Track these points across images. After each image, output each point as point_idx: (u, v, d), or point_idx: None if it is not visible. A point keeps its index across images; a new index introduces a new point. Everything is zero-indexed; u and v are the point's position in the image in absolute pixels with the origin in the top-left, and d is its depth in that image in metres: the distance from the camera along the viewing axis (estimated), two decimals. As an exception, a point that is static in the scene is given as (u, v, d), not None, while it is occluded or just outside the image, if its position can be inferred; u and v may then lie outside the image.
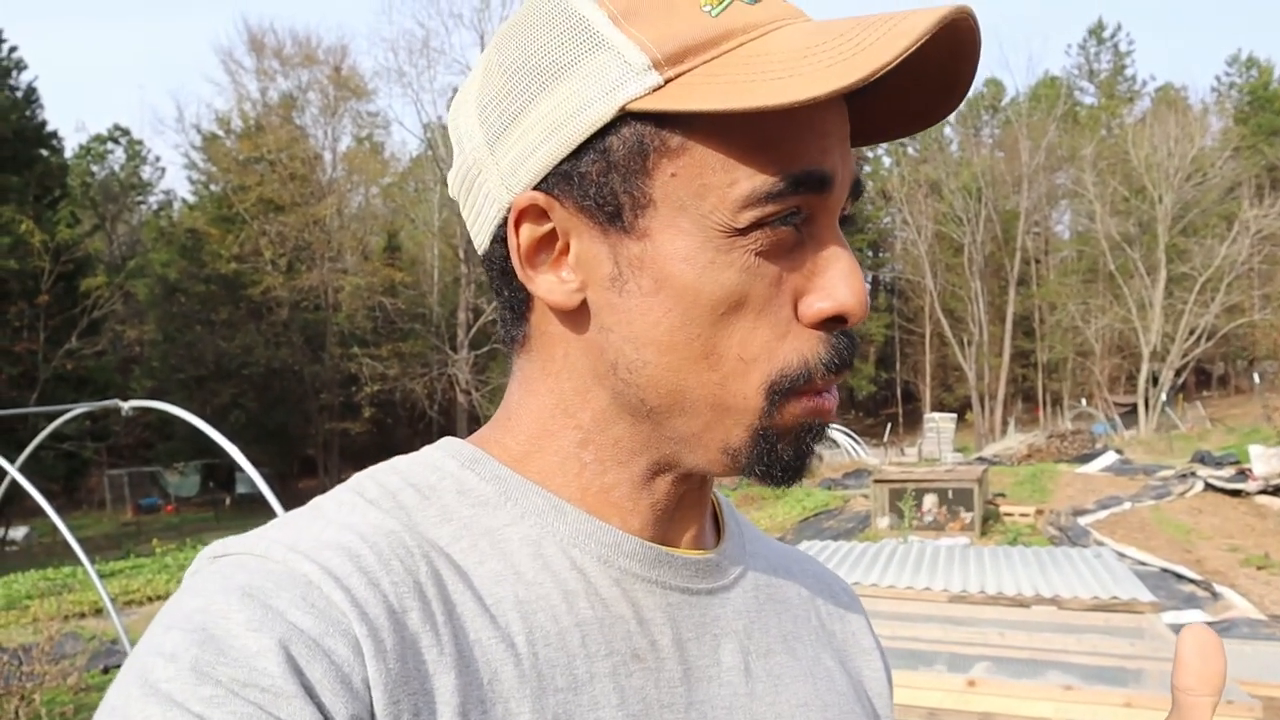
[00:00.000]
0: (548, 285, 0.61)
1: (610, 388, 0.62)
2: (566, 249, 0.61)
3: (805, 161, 0.56)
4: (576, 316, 0.62)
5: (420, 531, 0.59)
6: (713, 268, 0.57)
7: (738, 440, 0.60)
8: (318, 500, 0.62)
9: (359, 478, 0.64)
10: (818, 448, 0.63)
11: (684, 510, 0.67)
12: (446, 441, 0.68)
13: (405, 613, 0.54)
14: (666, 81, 0.55)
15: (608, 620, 0.61)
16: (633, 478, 0.64)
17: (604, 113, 0.56)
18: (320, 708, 0.48)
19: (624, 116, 0.57)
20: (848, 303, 0.58)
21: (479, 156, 0.63)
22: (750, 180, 0.55)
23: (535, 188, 0.60)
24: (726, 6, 0.56)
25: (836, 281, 0.58)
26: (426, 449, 0.67)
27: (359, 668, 0.50)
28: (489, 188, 0.62)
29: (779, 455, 0.61)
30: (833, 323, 0.59)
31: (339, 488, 0.63)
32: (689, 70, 0.55)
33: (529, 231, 0.61)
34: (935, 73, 0.59)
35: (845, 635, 0.80)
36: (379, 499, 0.61)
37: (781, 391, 0.59)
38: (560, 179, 0.59)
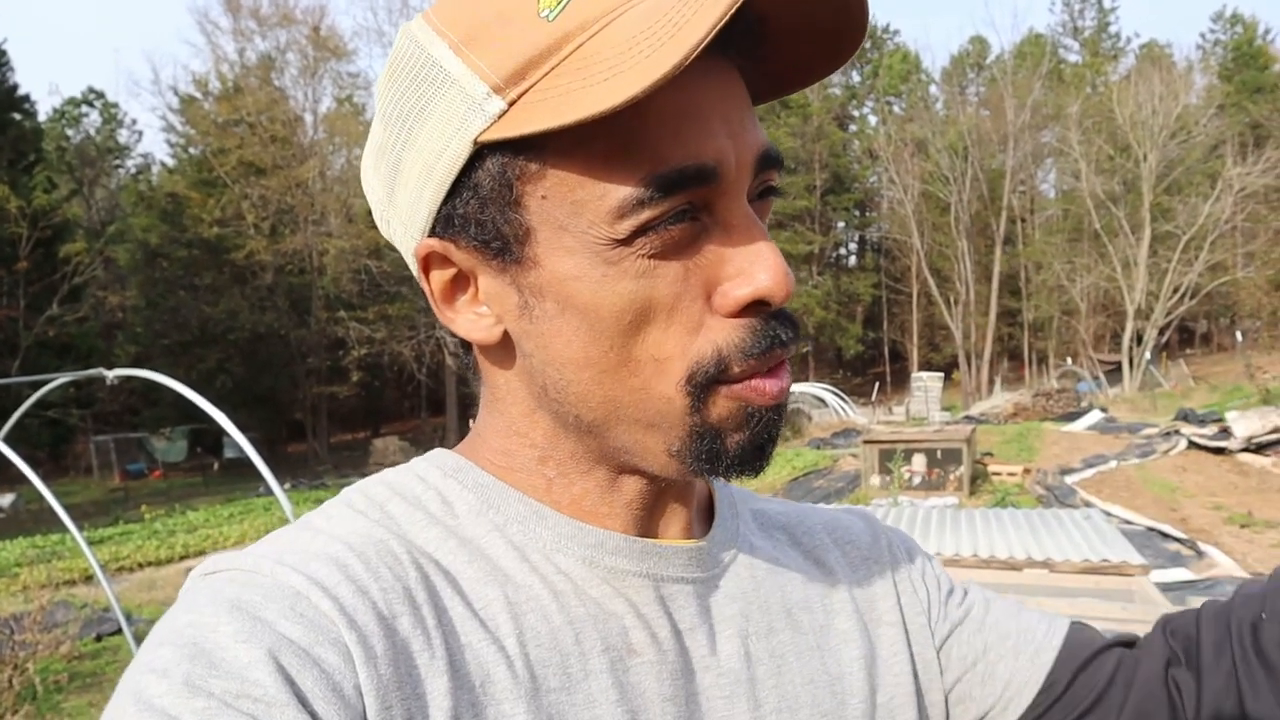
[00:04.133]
0: (467, 324, 0.62)
1: (549, 409, 0.62)
2: (477, 287, 0.61)
3: (676, 158, 0.53)
4: (503, 348, 0.63)
5: (408, 538, 0.60)
6: (606, 281, 0.56)
7: (677, 441, 0.59)
8: (307, 516, 0.62)
9: (347, 492, 0.65)
10: (768, 435, 0.60)
11: (666, 503, 0.67)
12: (435, 453, 0.68)
13: (395, 618, 0.54)
14: (510, 105, 0.53)
15: (601, 617, 0.61)
16: (600, 485, 0.64)
17: (460, 150, 0.56)
18: (314, 716, 0.48)
19: (481, 150, 0.56)
20: (763, 285, 0.55)
21: (383, 208, 0.63)
22: (618, 190, 0.53)
23: (430, 233, 0.60)
24: (564, 7, 0.53)
25: (748, 266, 0.56)
26: (415, 460, 0.68)
27: (350, 675, 0.51)
28: (399, 237, 0.63)
29: (725, 449, 0.59)
30: (756, 307, 0.57)
31: (329, 502, 0.64)
32: (530, 88, 0.53)
33: (438, 276, 0.61)
34: (825, 18, 0.57)
35: (864, 580, 0.78)
36: (366, 509, 0.62)
37: (700, 385, 0.57)
38: (446, 222, 0.59)
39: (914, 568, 0.80)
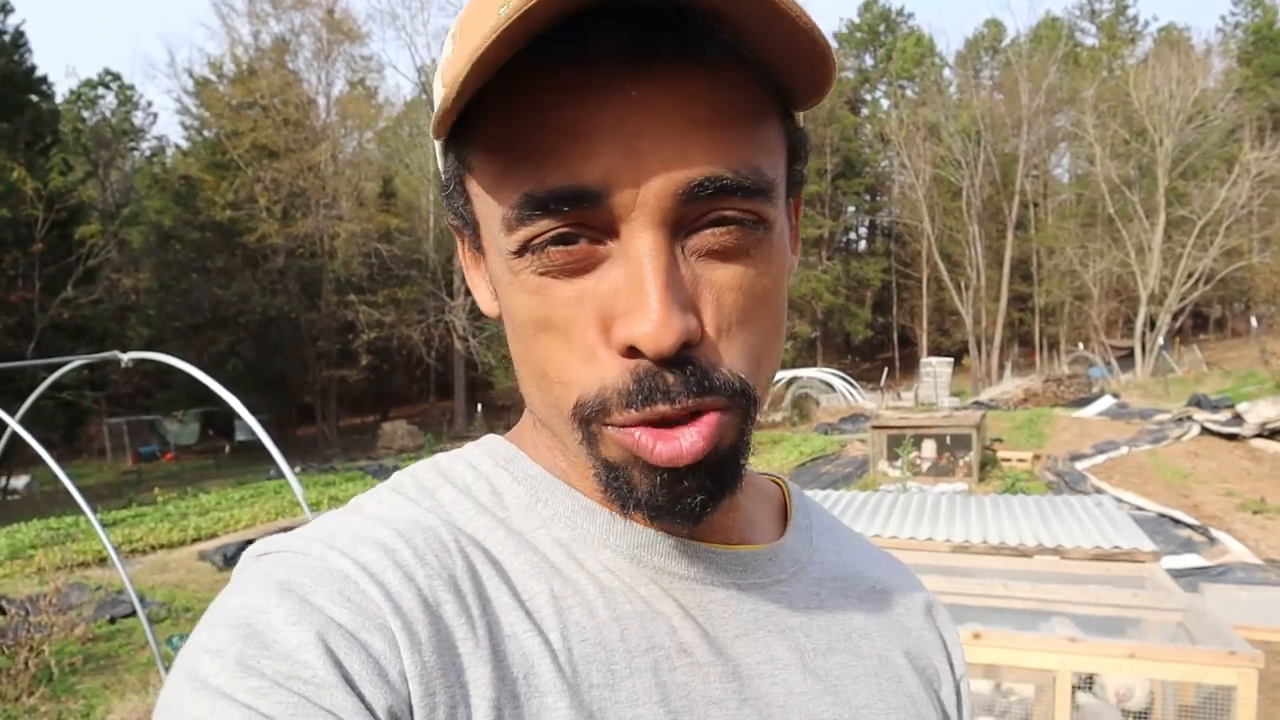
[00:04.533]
0: (480, 295, 0.65)
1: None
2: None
3: (553, 178, 0.51)
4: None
5: (457, 526, 0.60)
6: (511, 289, 0.56)
7: (591, 465, 0.58)
8: (358, 498, 0.63)
9: (399, 476, 0.65)
10: (683, 493, 0.55)
11: None
12: (488, 440, 0.68)
13: (440, 606, 0.54)
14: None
15: (649, 616, 0.60)
16: None
17: (438, 143, 0.59)
18: (361, 698, 0.49)
19: (445, 144, 0.58)
20: (633, 332, 0.51)
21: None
22: (505, 203, 0.53)
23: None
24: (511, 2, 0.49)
25: (632, 307, 0.51)
26: (469, 446, 0.68)
27: (395, 661, 0.51)
28: None
29: (633, 488, 0.56)
30: (637, 351, 0.52)
31: (380, 486, 0.64)
32: None
33: (465, 248, 0.64)
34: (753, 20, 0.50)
35: (920, 634, 0.76)
36: (418, 496, 0.62)
37: (585, 419, 0.55)
38: (446, 203, 0.62)
39: (960, 667, 0.78)
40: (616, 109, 0.50)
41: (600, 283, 0.53)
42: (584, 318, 0.53)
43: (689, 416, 0.53)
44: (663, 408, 0.52)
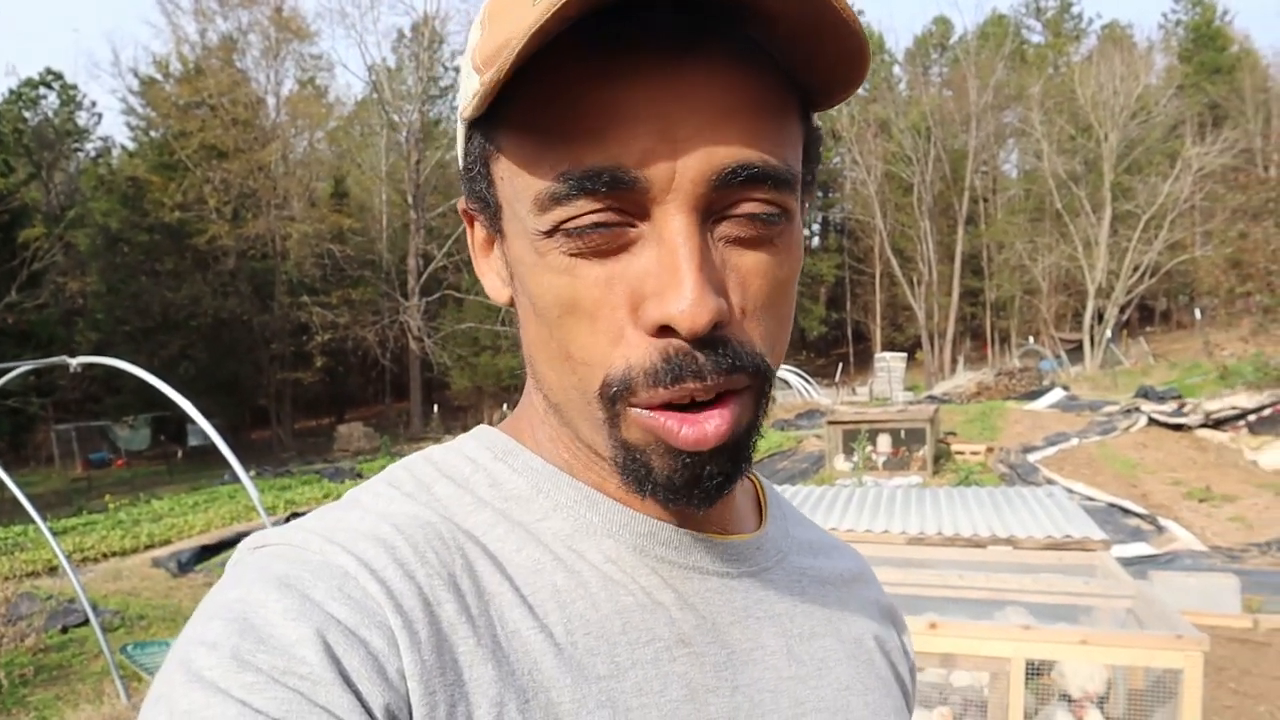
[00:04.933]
0: (489, 282, 0.65)
1: (536, 384, 0.64)
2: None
3: (589, 159, 0.52)
4: (517, 311, 0.64)
5: (455, 521, 0.60)
6: (536, 270, 0.56)
7: (609, 448, 0.58)
8: (354, 492, 0.63)
9: (393, 469, 0.65)
10: (704, 474, 0.56)
11: None
12: (481, 431, 0.68)
13: (439, 604, 0.54)
14: (483, 86, 0.53)
15: (649, 606, 0.61)
16: (615, 471, 0.61)
17: (460, 124, 0.59)
18: (358, 695, 0.49)
19: (471, 127, 0.59)
20: (669, 311, 0.52)
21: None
22: (539, 182, 0.53)
23: (468, 194, 0.63)
24: None
25: (664, 288, 0.52)
26: (462, 438, 0.68)
27: (394, 659, 0.51)
28: None
29: (651, 470, 0.57)
30: (670, 331, 0.53)
31: (374, 479, 0.64)
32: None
33: (476, 232, 0.65)
34: (812, 21, 0.51)
35: (882, 618, 0.80)
36: (414, 490, 0.62)
37: (611, 399, 0.55)
38: (465, 186, 0.62)
39: (911, 653, 0.83)
40: (654, 93, 0.52)
41: (630, 264, 0.54)
42: (613, 298, 0.54)
43: (714, 398, 0.55)
44: (692, 385, 0.53)
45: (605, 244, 0.54)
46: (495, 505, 0.62)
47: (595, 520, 0.62)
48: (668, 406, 0.55)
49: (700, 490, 0.57)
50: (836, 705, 0.67)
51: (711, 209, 0.54)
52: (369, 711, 0.49)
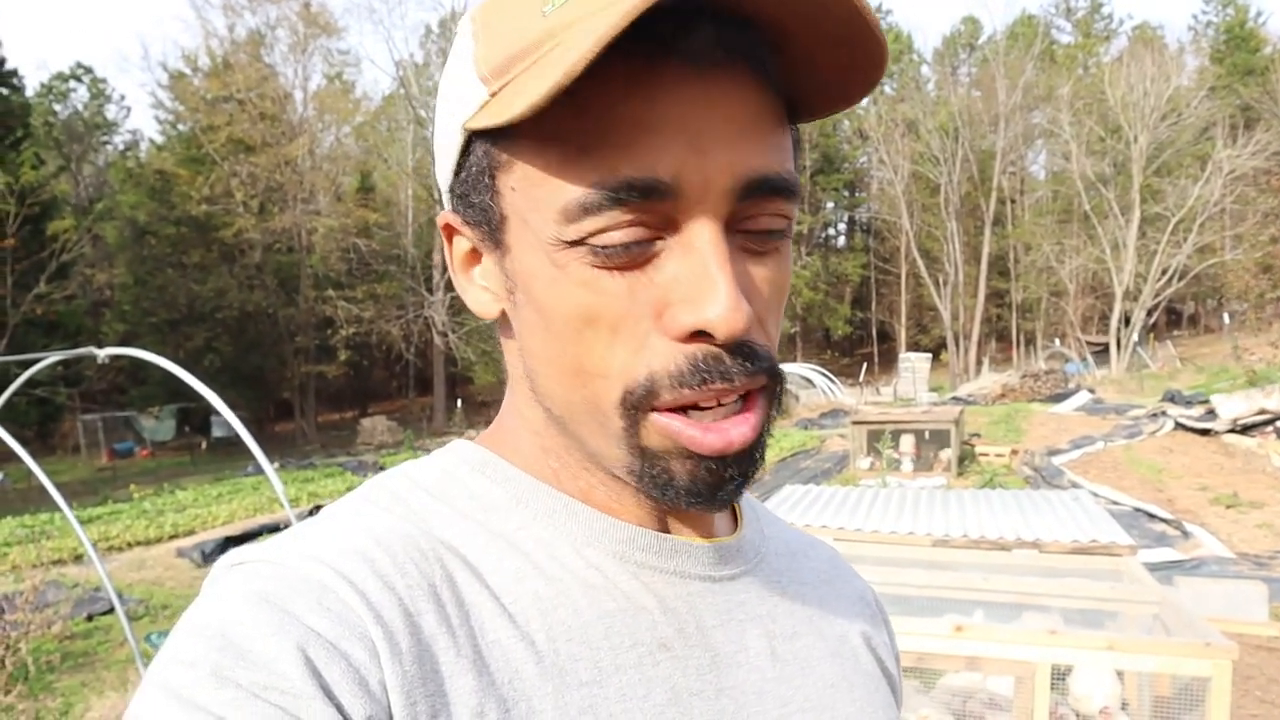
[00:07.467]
0: (473, 297, 0.64)
1: (536, 398, 0.63)
2: (483, 263, 0.63)
3: (625, 170, 0.52)
4: (504, 326, 0.63)
5: (434, 533, 0.59)
6: (555, 283, 0.55)
7: (625, 458, 0.58)
8: (331, 508, 0.62)
9: (370, 485, 0.64)
10: (727, 478, 0.57)
11: None
12: (457, 445, 0.68)
13: (420, 615, 0.54)
14: (492, 96, 0.54)
15: (631, 611, 0.61)
16: (603, 481, 0.63)
17: (457, 134, 0.58)
18: (340, 708, 0.48)
19: (472, 136, 0.57)
20: (707, 315, 0.52)
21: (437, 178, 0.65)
22: (569, 192, 0.53)
23: (452, 207, 0.62)
24: (565, 2, 0.52)
25: (697, 293, 0.53)
26: (436, 453, 0.68)
27: (375, 670, 0.50)
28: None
29: (672, 477, 0.57)
30: (703, 336, 0.54)
31: (350, 495, 0.63)
32: (511, 80, 0.53)
33: (458, 246, 0.63)
34: (841, 37, 0.53)
35: (865, 612, 0.80)
36: (391, 504, 0.61)
37: (632, 407, 0.56)
38: (455, 198, 0.61)
39: (895, 647, 0.83)
40: (683, 106, 0.52)
41: (655, 274, 0.54)
42: (637, 309, 0.54)
43: (739, 400, 0.56)
44: (719, 386, 0.54)
45: (630, 262, 0.54)
46: (474, 516, 0.62)
47: (575, 528, 0.62)
48: (691, 408, 0.55)
49: (723, 493, 0.58)
50: (822, 703, 0.67)
51: (732, 220, 0.55)
52: None
